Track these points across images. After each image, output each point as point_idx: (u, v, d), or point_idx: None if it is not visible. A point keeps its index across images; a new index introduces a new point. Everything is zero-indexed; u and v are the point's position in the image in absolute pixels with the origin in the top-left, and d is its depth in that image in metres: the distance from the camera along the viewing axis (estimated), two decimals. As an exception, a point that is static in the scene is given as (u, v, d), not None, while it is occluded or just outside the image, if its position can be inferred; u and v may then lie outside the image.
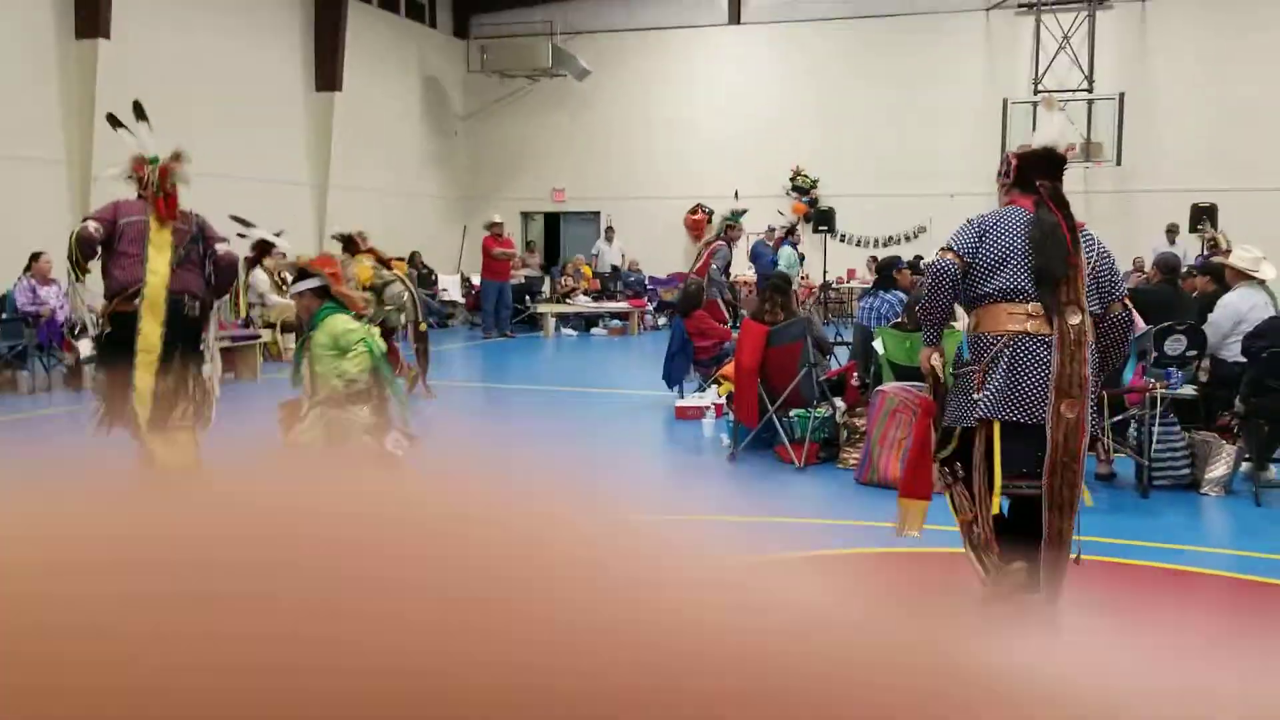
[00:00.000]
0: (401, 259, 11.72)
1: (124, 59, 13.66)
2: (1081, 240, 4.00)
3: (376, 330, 5.78)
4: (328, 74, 18.32)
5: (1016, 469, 3.94)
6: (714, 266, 12.08)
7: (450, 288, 19.03)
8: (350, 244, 8.55)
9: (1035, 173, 4.10)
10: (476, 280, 18.06)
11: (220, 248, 5.75)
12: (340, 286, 5.29)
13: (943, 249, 4.11)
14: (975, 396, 3.97)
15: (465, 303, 19.08)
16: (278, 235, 6.39)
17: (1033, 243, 3.95)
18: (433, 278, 18.93)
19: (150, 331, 5.34)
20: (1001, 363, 3.93)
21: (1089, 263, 3.98)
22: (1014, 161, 4.19)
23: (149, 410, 5.30)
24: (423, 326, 9.18)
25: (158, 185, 5.47)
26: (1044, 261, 3.91)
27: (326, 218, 16.91)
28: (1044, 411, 3.86)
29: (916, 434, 4.40)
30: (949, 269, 4.01)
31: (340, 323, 5.04)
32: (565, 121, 22.42)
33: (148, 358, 5.33)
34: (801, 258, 15.06)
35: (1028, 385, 3.90)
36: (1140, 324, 6.41)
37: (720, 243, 12.69)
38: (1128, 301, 4.29)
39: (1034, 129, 4.27)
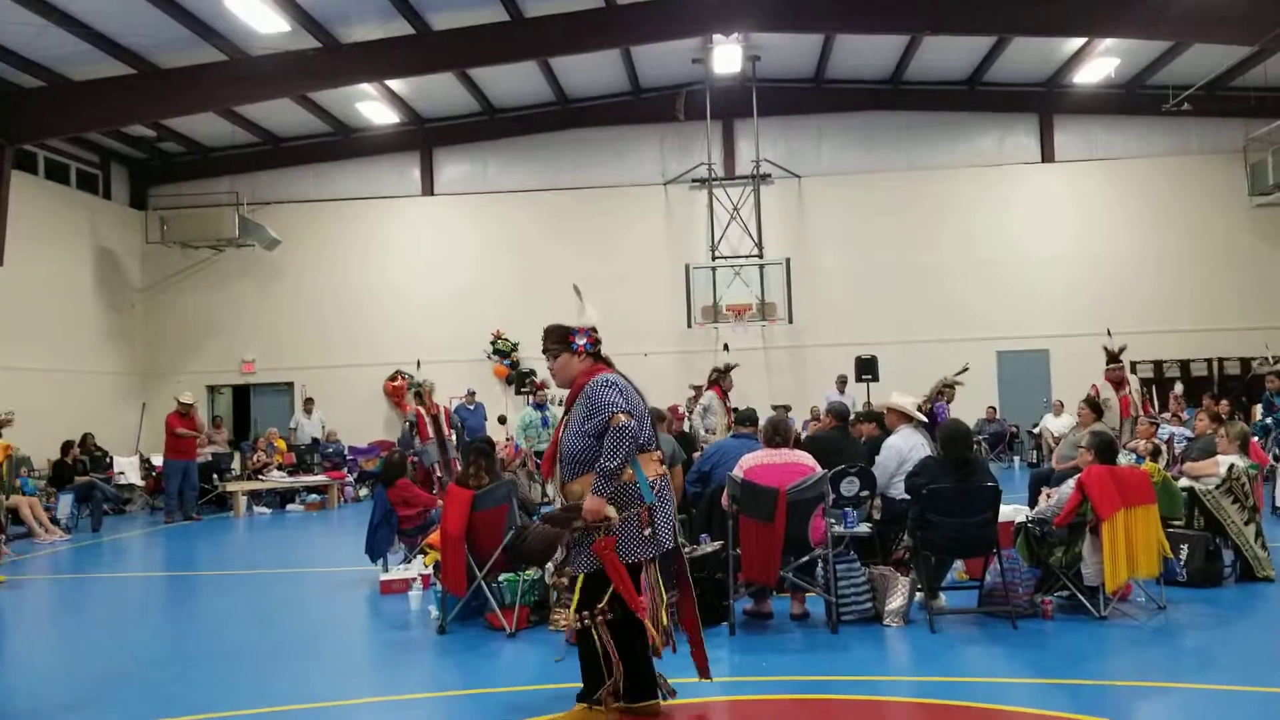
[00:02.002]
0: None
1: None
2: None
3: None
4: (-15, 246, 16.98)
5: (670, 585, 4.87)
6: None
7: (128, 470, 17.63)
8: None
9: (600, 346, 5.03)
10: (158, 461, 16.86)
11: None
12: None
13: (623, 413, 4.63)
14: (647, 533, 4.66)
15: (145, 485, 17.72)
16: None
17: (643, 401, 4.83)
18: (106, 460, 17.53)
19: None
20: (660, 502, 4.75)
21: None
22: (596, 337, 5.01)
23: None
24: None
25: None
26: (653, 416, 4.91)
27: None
28: (675, 535, 4.88)
29: (611, 568, 4.67)
30: (634, 429, 4.63)
31: None
32: (253, 291, 21.80)
33: None
34: (545, 420, 15.04)
35: (671, 516, 4.82)
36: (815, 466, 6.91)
37: (416, 409, 13.58)
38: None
39: (582, 309, 5.16)
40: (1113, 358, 12.70)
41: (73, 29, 14.95)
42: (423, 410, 13.82)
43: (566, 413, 4.90)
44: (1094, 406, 11.33)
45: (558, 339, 5.02)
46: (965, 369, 12.43)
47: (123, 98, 17.03)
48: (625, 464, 4.59)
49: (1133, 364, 19.52)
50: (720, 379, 13.22)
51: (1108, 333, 14.62)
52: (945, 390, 12.28)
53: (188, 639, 7.58)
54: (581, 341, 4.97)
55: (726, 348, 19.06)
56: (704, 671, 5.03)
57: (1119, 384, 12.44)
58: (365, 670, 6.64)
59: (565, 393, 5.08)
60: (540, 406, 15.44)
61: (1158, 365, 20.17)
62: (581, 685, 4.99)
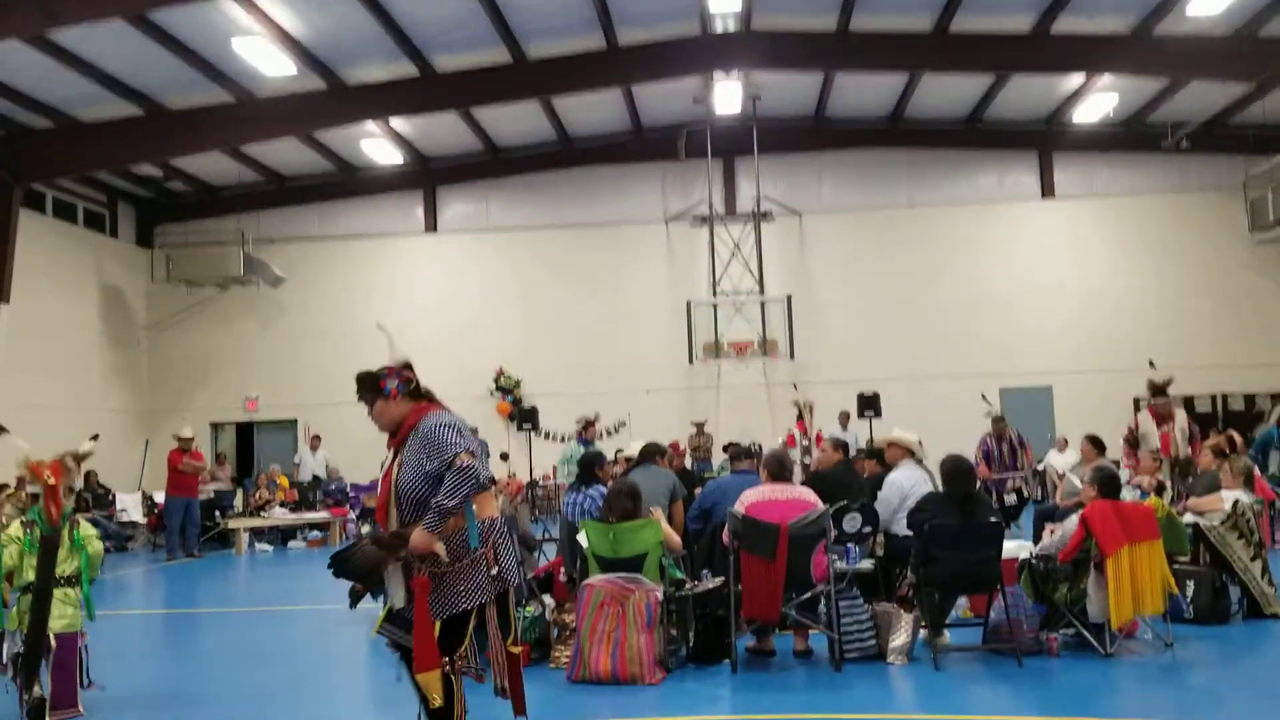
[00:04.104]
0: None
1: None
2: None
3: None
4: (-8, 285, 17.10)
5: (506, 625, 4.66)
6: None
7: (130, 507, 17.60)
8: None
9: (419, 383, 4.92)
10: (160, 498, 16.83)
11: None
12: None
13: (466, 453, 4.43)
14: (494, 573, 4.51)
15: (147, 522, 17.68)
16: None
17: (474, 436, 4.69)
18: (109, 498, 17.51)
19: None
20: (501, 538, 4.60)
21: None
22: (411, 376, 4.89)
23: None
24: None
25: None
26: (484, 453, 4.78)
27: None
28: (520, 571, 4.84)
29: (419, 610, 4.47)
30: (476, 469, 4.40)
31: None
32: (257, 329, 21.88)
33: None
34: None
35: (512, 553, 4.67)
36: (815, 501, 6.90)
37: None
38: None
39: (391, 347, 5.12)
40: (1158, 390, 11.70)
41: (81, 71, 15.13)
42: None
43: (396, 455, 4.72)
44: (1096, 443, 11.31)
45: (369, 387, 4.88)
46: (987, 401, 12.44)
47: (130, 138, 17.20)
48: (462, 505, 4.41)
49: (1135, 401, 19.54)
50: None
51: (1150, 364, 14.05)
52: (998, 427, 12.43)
53: (189, 678, 7.53)
54: (393, 384, 4.84)
55: (796, 387, 18.99)
56: (519, 709, 4.85)
57: (1162, 419, 11.52)
58: (365, 708, 6.60)
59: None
60: (587, 443, 15.41)
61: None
62: None
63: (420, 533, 4.36)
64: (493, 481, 4.75)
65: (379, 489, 4.84)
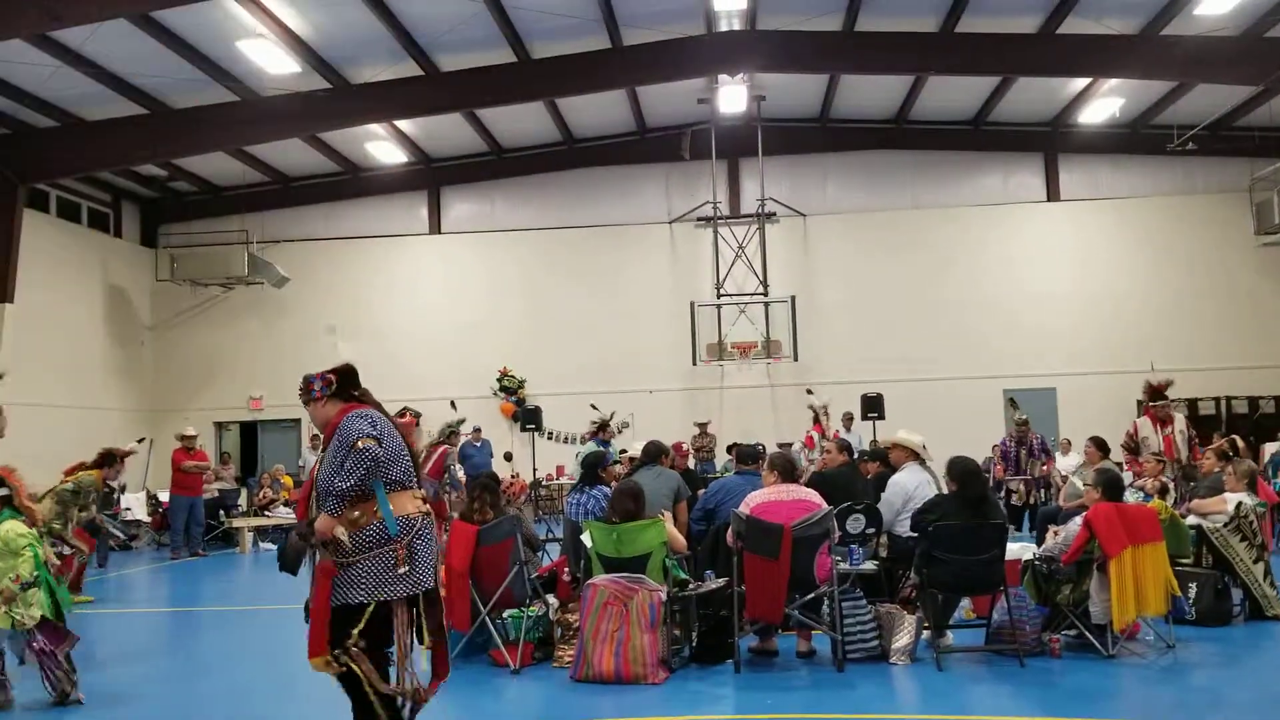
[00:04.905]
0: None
1: None
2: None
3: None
4: (-2, 284, 17.13)
5: (432, 623, 4.74)
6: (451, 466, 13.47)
7: (134, 506, 17.63)
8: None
9: (350, 384, 4.92)
10: (164, 497, 16.86)
11: None
12: (23, 499, 6.19)
13: (368, 437, 4.55)
14: (401, 571, 4.54)
15: (151, 521, 17.70)
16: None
17: (402, 438, 4.75)
18: (114, 496, 17.51)
19: None
20: (420, 540, 4.63)
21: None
22: (334, 378, 4.92)
23: None
24: None
25: None
26: (413, 453, 4.80)
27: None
28: (436, 576, 4.78)
29: (317, 596, 4.55)
30: (377, 452, 4.54)
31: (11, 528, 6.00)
32: (262, 329, 21.91)
33: None
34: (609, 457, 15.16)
35: (431, 557, 4.71)
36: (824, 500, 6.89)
37: (446, 446, 13.53)
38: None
39: (334, 348, 5.01)
40: (1156, 393, 11.52)
41: (86, 70, 15.15)
42: (449, 447, 13.91)
43: (323, 452, 4.81)
44: (1100, 445, 11.30)
45: (302, 390, 4.96)
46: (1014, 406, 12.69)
47: (134, 137, 17.23)
48: (359, 486, 4.47)
49: (1138, 403, 19.52)
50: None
51: (1151, 366, 13.96)
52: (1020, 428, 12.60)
53: (192, 676, 7.55)
54: (318, 387, 4.90)
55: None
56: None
57: (1163, 422, 11.36)
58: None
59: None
60: (604, 444, 15.44)
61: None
62: None
63: (322, 518, 4.48)
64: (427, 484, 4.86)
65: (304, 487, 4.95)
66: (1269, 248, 20.42)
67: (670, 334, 20.47)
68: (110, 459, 11.23)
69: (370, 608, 4.51)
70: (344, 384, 4.93)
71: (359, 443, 4.50)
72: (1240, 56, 16.19)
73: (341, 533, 4.49)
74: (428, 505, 4.81)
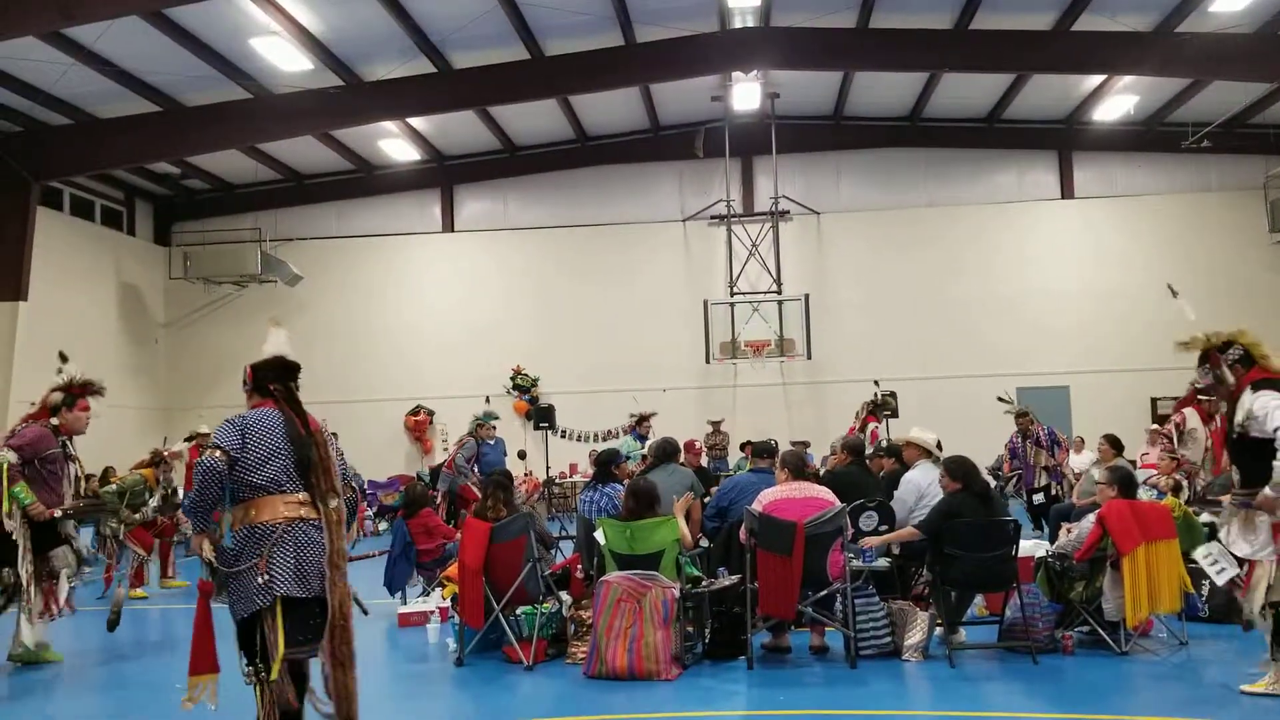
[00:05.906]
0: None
1: None
2: (326, 437, 4.64)
3: None
4: (11, 283, 17.20)
5: (298, 637, 4.36)
6: (460, 458, 13.57)
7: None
8: None
9: (270, 379, 4.78)
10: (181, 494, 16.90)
11: None
12: None
13: (211, 447, 4.43)
14: (260, 581, 4.31)
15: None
16: None
17: (291, 440, 4.53)
18: (178, 499, 17.59)
19: None
20: (285, 547, 4.36)
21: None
22: (249, 371, 4.81)
23: None
24: None
25: None
26: (303, 455, 4.52)
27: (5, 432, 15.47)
28: (323, 584, 4.39)
29: (199, 616, 4.50)
30: (218, 465, 4.37)
31: None
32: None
33: None
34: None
35: (309, 564, 4.38)
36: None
37: (469, 438, 13.82)
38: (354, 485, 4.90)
39: (274, 339, 4.96)
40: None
41: (99, 68, 15.23)
42: (474, 439, 14.02)
43: None
44: (1114, 443, 11.25)
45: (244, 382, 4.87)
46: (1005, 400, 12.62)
47: (148, 135, 17.31)
48: (200, 501, 4.35)
49: (1152, 400, 19.44)
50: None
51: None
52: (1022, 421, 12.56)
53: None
54: (243, 380, 4.86)
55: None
56: None
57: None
58: (383, 703, 6.62)
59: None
60: (641, 438, 15.50)
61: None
62: None
63: (195, 536, 4.44)
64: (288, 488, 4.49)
65: None
66: (1284, 245, 20.31)
67: (684, 332, 20.47)
68: (158, 459, 11.55)
69: (245, 620, 4.36)
70: (260, 379, 4.80)
71: (204, 455, 4.40)
72: (1255, 54, 16.11)
73: (208, 550, 4.41)
74: (308, 509, 4.47)
